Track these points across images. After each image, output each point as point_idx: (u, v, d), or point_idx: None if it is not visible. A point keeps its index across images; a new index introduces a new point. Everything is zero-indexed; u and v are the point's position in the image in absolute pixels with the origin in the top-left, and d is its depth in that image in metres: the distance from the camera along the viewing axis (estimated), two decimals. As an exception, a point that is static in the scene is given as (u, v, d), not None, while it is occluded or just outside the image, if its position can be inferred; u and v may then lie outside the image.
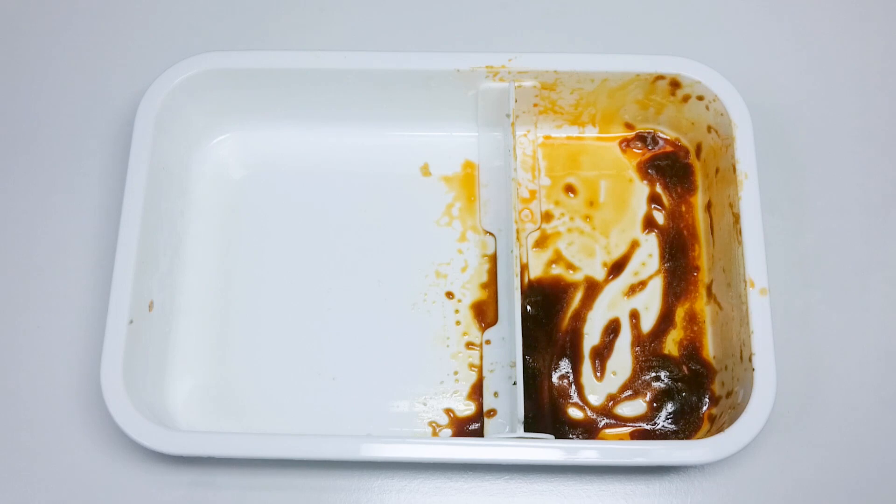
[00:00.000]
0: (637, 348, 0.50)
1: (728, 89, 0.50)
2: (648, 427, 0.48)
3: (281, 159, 0.54)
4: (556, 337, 0.50)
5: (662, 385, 0.49)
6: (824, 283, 0.52)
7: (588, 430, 0.48)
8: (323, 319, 0.51)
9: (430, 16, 0.58)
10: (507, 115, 0.51)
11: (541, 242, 0.52)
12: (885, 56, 0.57)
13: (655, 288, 0.51)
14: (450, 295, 0.51)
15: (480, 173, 0.54)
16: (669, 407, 0.49)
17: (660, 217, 0.53)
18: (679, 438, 0.48)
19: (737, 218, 0.48)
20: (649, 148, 0.54)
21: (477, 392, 0.49)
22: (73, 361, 0.50)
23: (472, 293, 0.51)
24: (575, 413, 0.49)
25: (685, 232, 0.52)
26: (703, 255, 0.52)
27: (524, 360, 0.48)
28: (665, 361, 0.50)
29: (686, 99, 0.52)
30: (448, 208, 0.53)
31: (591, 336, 0.50)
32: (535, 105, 0.53)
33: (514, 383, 0.46)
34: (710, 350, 0.50)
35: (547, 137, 0.54)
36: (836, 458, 0.49)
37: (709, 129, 0.52)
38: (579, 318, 0.51)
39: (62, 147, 0.55)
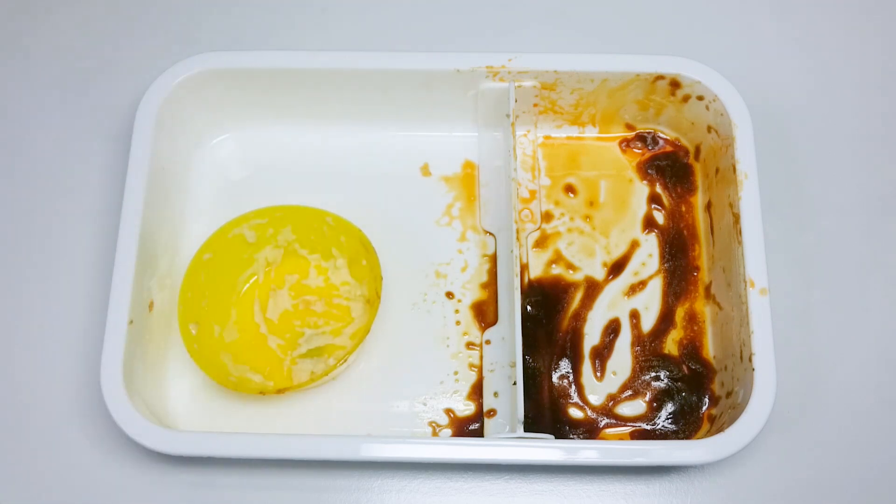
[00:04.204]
0: (637, 348, 0.50)
1: (728, 89, 0.50)
2: (648, 427, 0.48)
3: (281, 159, 0.54)
4: (556, 337, 0.50)
5: (662, 385, 0.49)
6: (824, 283, 0.52)
7: (588, 430, 0.48)
8: (323, 319, 0.51)
9: (430, 16, 0.58)
10: (507, 115, 0.51)
11: (541, 242, 0.52)
12: (885, 56, 0.57)
13: (655, 288, 0.51)
14: (450, 295, 0.51)
15: (480, 173, 0.54)
16: (669, 407, 0.49)
17: (660, 217, 0.53)
18: (679, 438, 0.48)
19: (737, 218, 0.48)
20: (649, 148, 0.54)
21: (477, 392, 0.49)
22: (73, 361, 0.50)
23: (472, 293, 0.51)
24: (575, 413, 0.49)
25: (685, 232, 0.52)
26: (703, 255, 0.52)
27: (524, 360, 0.48)
28: (665, 361, 0.50)
29: (686, 99, 0.52)
30: (448, 208, 0.53)
31: (591, 336, 0.50)
32: (535, 105, 0.53)
33: (514, 383, 0.46)
34: (709, 350, 0.50)
35: (547, 137, 0.55)
36: (836, 458, 0.49)
37: (709, 129, 0.52)
38: (579, 318, 0.51)
39: (62, 147, 0.55)
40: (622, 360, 0.50)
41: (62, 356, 0.50)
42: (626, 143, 0.54)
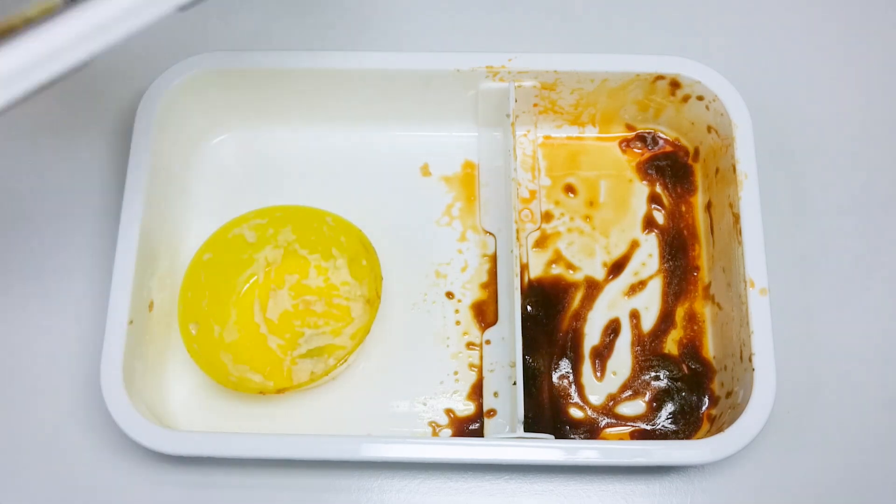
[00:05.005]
0: (637, 348, 0.50)
1: (728, 89, 0.50)
2: (648, 427, 0.48)
3: (281, 159, 0.54)
4: (556, 337, 0.50)
5: (662, 385, 0.49)
6: (824, 283, 0.52)
7: (588, 430, 0.48)
8: (323, 319, 0.51)
9: (430, 16, 0.58)
10: (507, 115, 0.51)
11: (541, 242, 0.52)
12: (885, 56, 0.57)
13: (655, 288, 0.51)
14: (450, 295, 0.51)
15: (480, 173, 0.54)
16: (669, 407, 0.49)
17: (660, 217, 0.53)
18: (679, 438, 0.48)
19: (737, 218, 0.48)
20: (649, 148, 0.54)
21: (477, 392, 0.49)
22: (73, 361, 0.50)
23: (472, 293, 0.51)
24: (575, 413, 0.49)
25: (685, 232, 0.52)
26: (703, 255, 0.52)
27: (524, 360, 0.48)
28: (665, 361, 0.50)
29: (686, 99, 0.52)
30: (448, 208, 0.53)
31: (591, 336, 0.50)
32: (535, 105, 0.53)
33: (514, 383, 0.46)
34: (709, 350, 0.50)
35: (547, 137, 0.55)
36: (836, 458, 0.49)
37: (709, 129, 0.52)
38: (579, 317, 0.51)
39: (62, 147, 0.55)
40: (622, 359, 0.50)
41: (62, 356, 0.50)
42: (626, 143, 0.54)
